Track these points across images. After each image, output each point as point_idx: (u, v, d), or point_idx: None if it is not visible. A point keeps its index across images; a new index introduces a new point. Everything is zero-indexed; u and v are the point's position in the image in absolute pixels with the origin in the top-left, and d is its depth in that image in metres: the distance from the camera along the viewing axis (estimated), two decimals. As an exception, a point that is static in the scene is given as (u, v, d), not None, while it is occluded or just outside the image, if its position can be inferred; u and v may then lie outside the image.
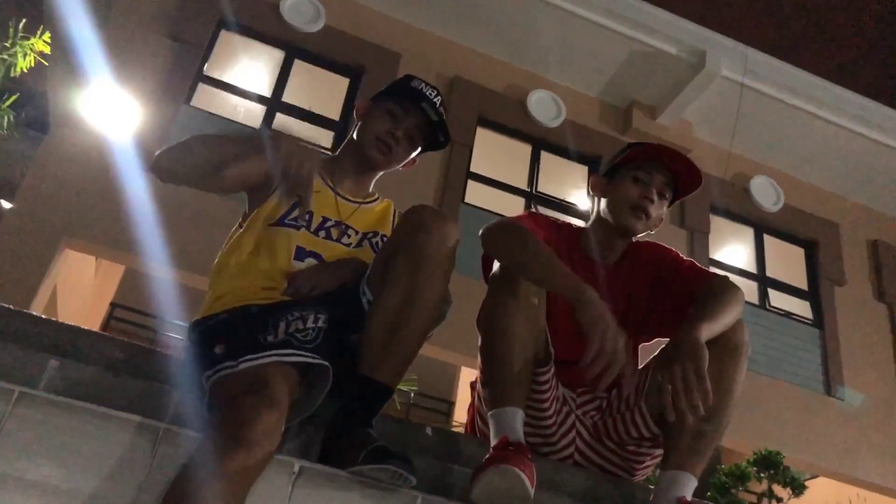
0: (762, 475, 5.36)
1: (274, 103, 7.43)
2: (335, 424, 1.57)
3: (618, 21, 7.76)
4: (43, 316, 1.62)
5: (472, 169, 7.67)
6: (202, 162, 1.77)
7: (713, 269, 2.29)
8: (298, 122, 7.43)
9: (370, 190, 2.12)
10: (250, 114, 7.46)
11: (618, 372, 1.60)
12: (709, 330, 1.72)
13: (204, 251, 6.06)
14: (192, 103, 7.07)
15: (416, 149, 2.08)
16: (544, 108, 8.10)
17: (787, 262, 8.69)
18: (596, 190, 2.22)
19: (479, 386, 1.97)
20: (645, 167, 2.11)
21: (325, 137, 7.51)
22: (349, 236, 1.95)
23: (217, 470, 1.22)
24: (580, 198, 8.14)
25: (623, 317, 2.05)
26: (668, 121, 8.43)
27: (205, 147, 1.79)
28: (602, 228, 2.16)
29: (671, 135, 8.41)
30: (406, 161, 2.08)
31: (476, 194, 7.56)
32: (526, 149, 8.11)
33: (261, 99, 7.43)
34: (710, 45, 7.94)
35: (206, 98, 7.29)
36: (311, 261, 1.84)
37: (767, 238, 8.74)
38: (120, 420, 1.38)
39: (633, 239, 2.18)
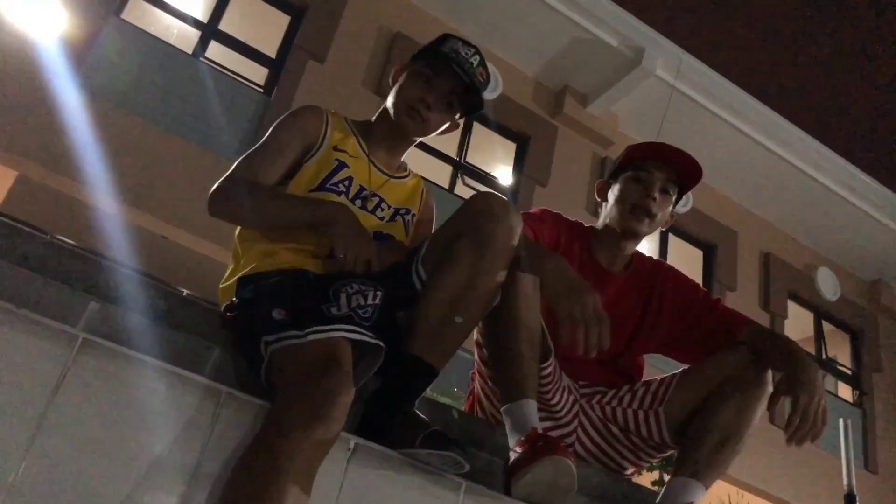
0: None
1: (209, 30, 7.14)
2: (380, 402, 1.55)
3: (567, 5, 7.82)
4: (89, 255, 1.50)
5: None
6: (269, 222, 1.76)
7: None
8: (231, 52, 7.20)
9: (402, 161, 2.05)
10: (184, 37, 7.15)
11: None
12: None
13: (138, 186, 5.89)
14: (122, 16, 6.72)
15: (454, 114, 1.98)
16: (482, 78, 8.10)
17: (686, 262, 9.08)
18: (600, 194, 2.24)
19: (482, 372, 1.99)
20: (644, 166, 2.11)
21: (258, 74, 7.30)
22: (383, 210, 1.90)
23: (297, 444, 1.22)
24: (505, 173, 8.25)
25: (633, 334, 2.13)
26: (598, 111, 8.60)
27: (274, 206, 1.76)
28: (608, 234, 2.17)
29: (598, 125, 8.61)
30: (443, 128, 1.99)
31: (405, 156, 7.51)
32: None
33: (196, 24, 7.12)
34: (649, 43, 8.13)
35: (138, 13, 6.94)
36: None
37: (672, 237, 9.12)
38: (185, 379, 1.32)
39: (655, 258, 2.20)
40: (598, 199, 2.27)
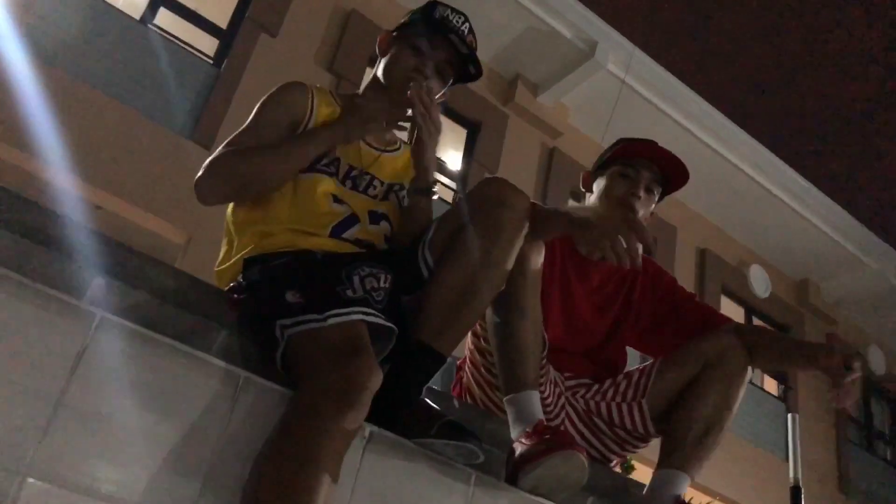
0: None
1: (159, -4, 6.93)
2: (389, 389, 1.49)
3: (524, -7, 7.84)
4: (95, 230, 1.43)
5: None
6: (278, 172, 1.70)
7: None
8: (180, 20, 7.00)
9: (393, 132, 1.99)
10: (131, 2, 6.92)
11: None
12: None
13: (76, 152, 5.68)
14: (69, -23, 6.47)
15: (446, 83, 1.94)
16: (436, 62, 8.06)
17: (627, 255, 9.26)
18: (586, 185, 2.25)
19: (475, 361, 2.00)
20: (633, 163, 2.13)
21: (208, 45, 7.12)
22: (374, 187, 1.83)
23: (329, 431, 1.20)
24: (456, 158, 8.26)
25: (615, 323, 2.15)
26: (548, 101, 8.67)
27: (277, 159, 1.69)
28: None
29: (547, 115, 8.67)
30: (437, 98, 1.91)
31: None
32: (409, 100, 8.05)
33: (146, -11, 6.91)
34: (602, 37, 8.21)
35: (85, -26, 6.68)
36: (342, 208, 1.75)
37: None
38: (203, 362, 1.27)
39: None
40: (583, 190, 2.27)
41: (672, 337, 2.15)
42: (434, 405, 1.54)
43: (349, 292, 1.50)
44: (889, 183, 10.29)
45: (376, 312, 1.47)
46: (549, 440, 1.55)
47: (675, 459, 1.86)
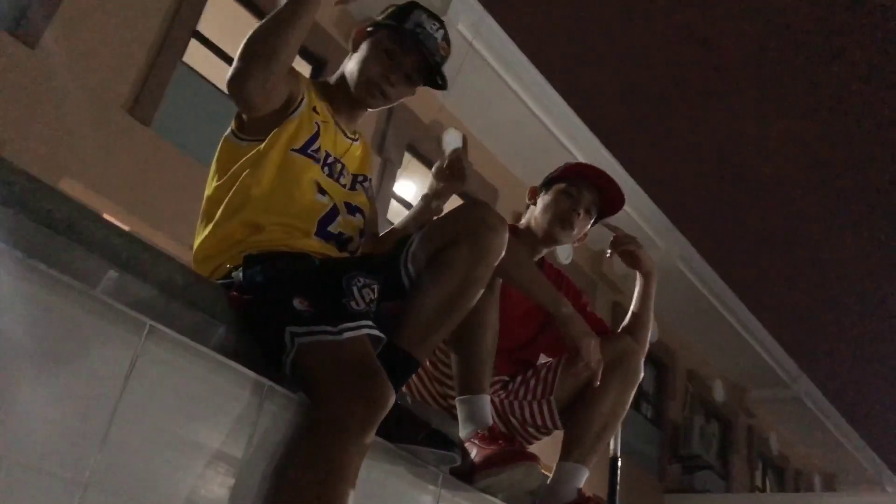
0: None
1: None
2: None
3: (385, -60, 7.74)
4: (112, 221, 1.38)
5: (199, 28, 7.15)
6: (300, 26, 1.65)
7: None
8: None
9: (357, 123, 2.03)
10: None
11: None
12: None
13: None
14: None
15: (414, 87, 1.99)
16: (287, -8, 7.80)
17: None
18: (532, 198, 2.43)
19: (433, 361, 2.13)
20: (576, 184, 2.32)
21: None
22: (344, 176, 1.89)
23: (355, 447, 1.29)
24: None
25: (537, 331, 2.32)
26: (395, 51, 8.68)
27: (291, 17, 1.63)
28: (527, 234, 2.37)
29: (393, 64, 8.69)
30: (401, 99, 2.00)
31: (197, 58, 7.09)
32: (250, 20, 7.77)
33: None
34: (457, -4, 8.32)
35: None
36: (326, 199, 1.79)
37: (442, 186, 9.54)
38: (236, 372, 1.31)
39: (548, 262, 2.42)
40: (528, 202, 2.45)
41: None
42: (414, 411, 1.67)
43: (353, 304, 1.57)
44: (681, 167, 11.38)
45: (374, 325, 1.56)
46: (511, 451, 1.74)
47: (577, 453, 2.11)
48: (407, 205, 8.79)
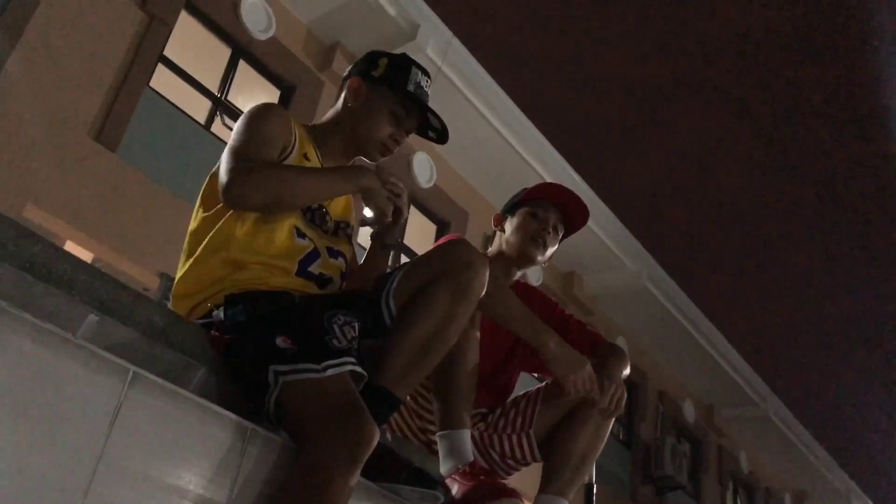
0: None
1: None
2: None
3: (352, -37, 7.80)
4: (92, 263, 1.34)
5: (167, 53, 7.10)
6: (311, 194, 1.77)
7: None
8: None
9: None
10: None
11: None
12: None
13: None
14: None
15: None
16: (256, 16, 7.80)
17: (420, 235, 9.60)
18: (498, 225, 2.47)
19: (413, 395, 2.11)
20: (541, 204, 2.38)
21: None
22: (326, 222, 1.90)
23: (340, 488, 1.29)
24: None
25: (511, 348, 2.31)
26: (364, 74, 8.69)
27: (313, 179, 1.77)
28: (501, 259, 2.39)
29: (362, 88, 8.70)
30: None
31: (164, 83, 7.03)
32: (225, 52, 7.75)
33: None
34: (425, 21, 8.37)
35: None
36: (306, 242, 1.81)
37: (413, 209, 9.54)
38: (219, 416, 1.30)
39: (519, 280, 2.43)
40: (495, 229, 2.45)
41: None
42: (396, 450, 1.67)
43: (335, 342, 1.56)
44: (650, 187, 11.54)
45: (357, 363, 1.56)
46: (493, 486, 1.75)
47: (556, 486, 2.12)
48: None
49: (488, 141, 9.53)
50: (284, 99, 8.21)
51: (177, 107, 6.93)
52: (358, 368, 1.54)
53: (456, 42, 8.68)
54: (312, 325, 1.58)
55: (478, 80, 9.02)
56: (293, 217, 1.81)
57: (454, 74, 8.80)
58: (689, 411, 14.11)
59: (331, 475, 1.30)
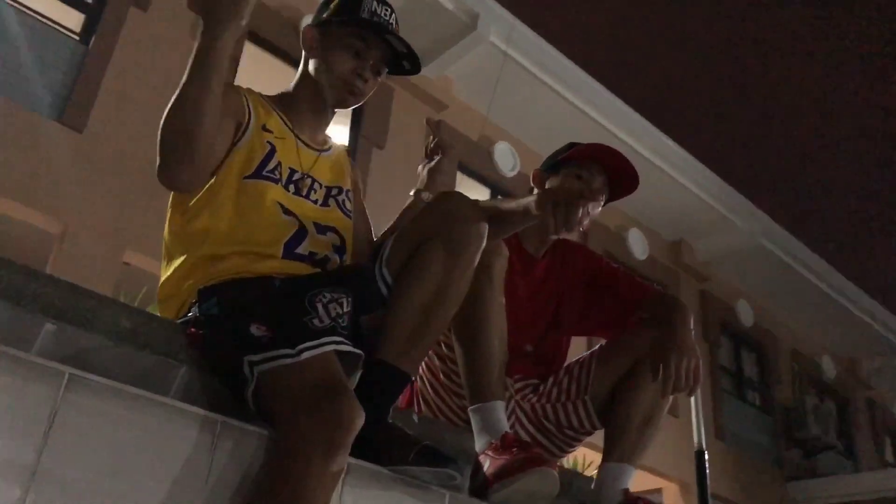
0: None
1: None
2: None
3: (404, -34, 7.75)
4: (42, 271, 1.31)
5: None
6: (201, 96, 1.47)
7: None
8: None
9: (325, 133, 1.92)
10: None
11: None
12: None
13: None
14: None
15: (381, 76, 1.88)
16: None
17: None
18: (536, 183, 2.26)
19: (434, 368, 2.02)
20: (587, 166, 2.17)
21: (73, 20, 6.67)
22: (315, 191, 1.78)
23: (319, 473, 1.19)
24: (341, 133, 8.14)
25: (556, 312, 2.18)
26: (432, 73, 8.63)
27: (198, 87, 1.47)
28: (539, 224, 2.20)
29: (432, 87, 8.65)
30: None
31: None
32: (289, 71, 7.82)
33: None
34: (484, 9, 8.24)
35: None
36: (292, 220, 1.68)
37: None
38: (179, 411, 1.21)
39: (563, 236, 2.24)
40: (533, 186, 2.29)
41: (607, 315, 2.22)
42: (406, 429, 1.52)
43: (316, 322, 1.45)
44: (755, 146, 10.93)
45: (344, 340, 1.44)
46: (523, 458, 1.59)
47: (620, 452, 1.95)
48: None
49: (568, 117, 9.28)
50: (357, 111, 8.24)
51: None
52: (345, 346, 1.41)
53: (519, 25, 8.51)
54: (291, 308, 1.47)
55: (547, 59, 8.81)
56: (273, 192, 1.68)
57: (522, 57, 8.63)
58: (829, 367, 13.32)
59: (306, 462, 1.19)
